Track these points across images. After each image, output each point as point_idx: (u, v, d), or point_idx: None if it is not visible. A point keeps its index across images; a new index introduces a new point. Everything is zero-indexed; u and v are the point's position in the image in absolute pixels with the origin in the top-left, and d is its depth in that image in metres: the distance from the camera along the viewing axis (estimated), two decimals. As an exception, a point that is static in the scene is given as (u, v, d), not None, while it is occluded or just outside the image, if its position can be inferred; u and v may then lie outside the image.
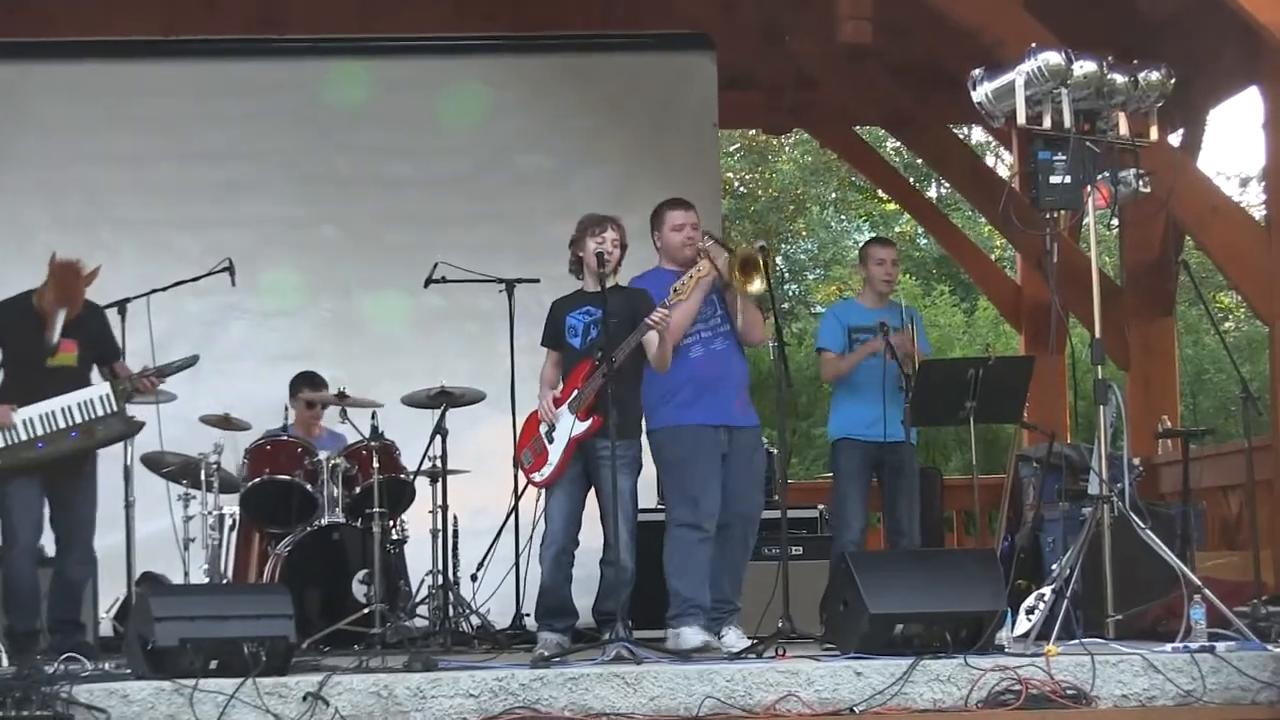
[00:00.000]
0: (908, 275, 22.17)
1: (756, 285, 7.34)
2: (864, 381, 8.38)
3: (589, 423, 7.31)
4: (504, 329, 8.84)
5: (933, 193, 22.33)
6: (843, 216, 24.91)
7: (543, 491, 7.54)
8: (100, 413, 7.45)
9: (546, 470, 7.44)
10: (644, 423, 7.54)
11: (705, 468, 7.37)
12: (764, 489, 7.40)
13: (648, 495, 8.59)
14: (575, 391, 7.38)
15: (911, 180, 17.61)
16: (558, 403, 7.45)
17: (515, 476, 8.21)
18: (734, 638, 7.30)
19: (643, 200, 8.79)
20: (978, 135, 19.24)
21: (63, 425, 7.43)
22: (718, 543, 7.45)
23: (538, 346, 7.77)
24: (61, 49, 10.31)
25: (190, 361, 7.55)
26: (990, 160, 18.97)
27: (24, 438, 7.40)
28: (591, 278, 7.45)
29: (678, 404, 7.45)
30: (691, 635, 7.22)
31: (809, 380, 16.54)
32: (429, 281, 9.16)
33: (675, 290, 7.20)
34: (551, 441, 7.43)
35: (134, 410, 7.67)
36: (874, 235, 15.62)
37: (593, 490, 7.45)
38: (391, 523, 8.46)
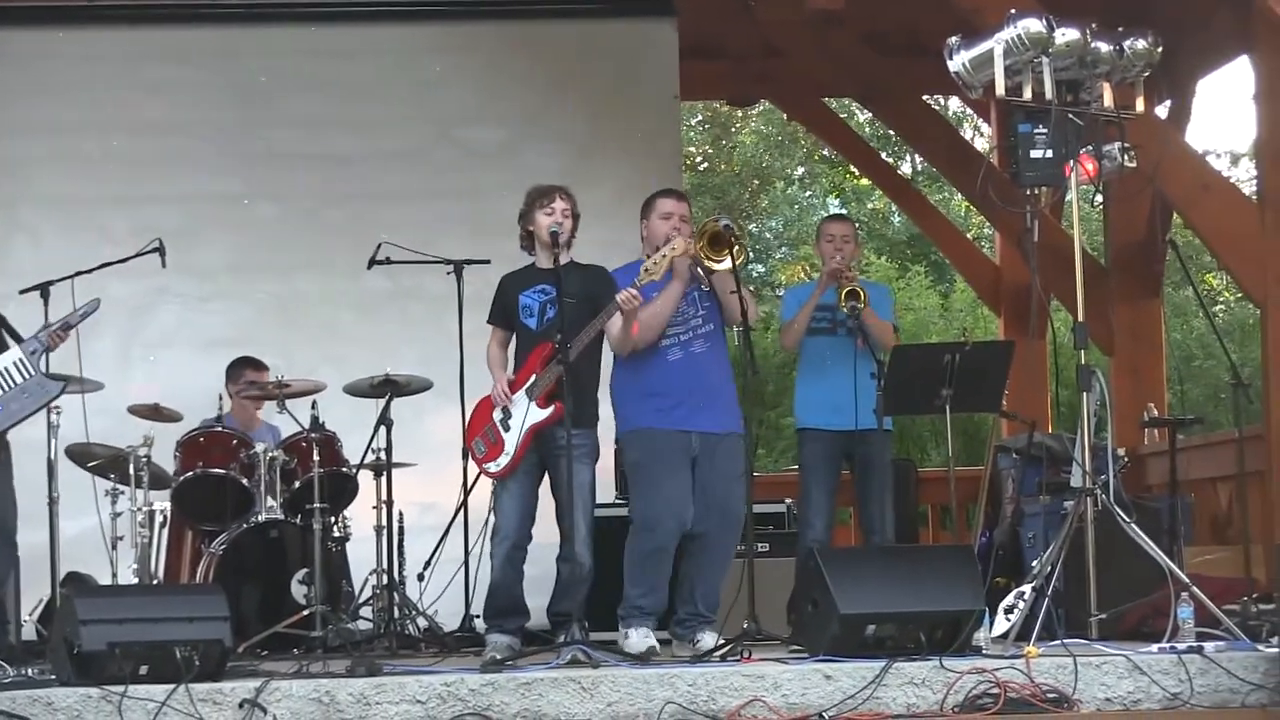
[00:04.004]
0: (880, 256, 22.25)
1: (725, 263, 7.34)
2: (829, 364, 8.41)
3: (549, 410, 7.31)
4: (452, 312, 8.80)
5: (906, 168, 22.39)
6: (809, 192, 24.91)
7: (493, 484, 7.54)
8: (19, 380, 7.23)
9: (503, 460, 7.43)
10: (614, 423, 7.58)
11: (666, 473, 7.36)
12: (746, 496, 7.36)
13: (607, 489, 8.66)
14: (533, 376, 7.39)
15: (884, 155, 17.65)
16: (513, 387, 7.47)
17: (465, 470, 8.23)
18: (710, 640, 7.27)
19: (600, 175, 8.79)
20: (954, 107, 19.31)
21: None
22: (692, 553, 7.45)
23: (487, 332, 7.76)
24: (-26, 13, 10.22)
25: (92, 307, 7.37)
26: (968, 133, 19.09)
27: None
28: (544, 253, 7.49)
29: (650, 409, 7.45)
30: (637, 639, 7.22)
31: (776, 367, 16.64)
32: (372, 262, 9.12)
33: (645, 270, 7.20)
34: (508, 429, 7.43)
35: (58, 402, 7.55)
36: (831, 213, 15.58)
37: (547, 482, 7.47)
38: (333, 519, 8.47)
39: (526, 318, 7.55)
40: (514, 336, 7.64)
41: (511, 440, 7.40)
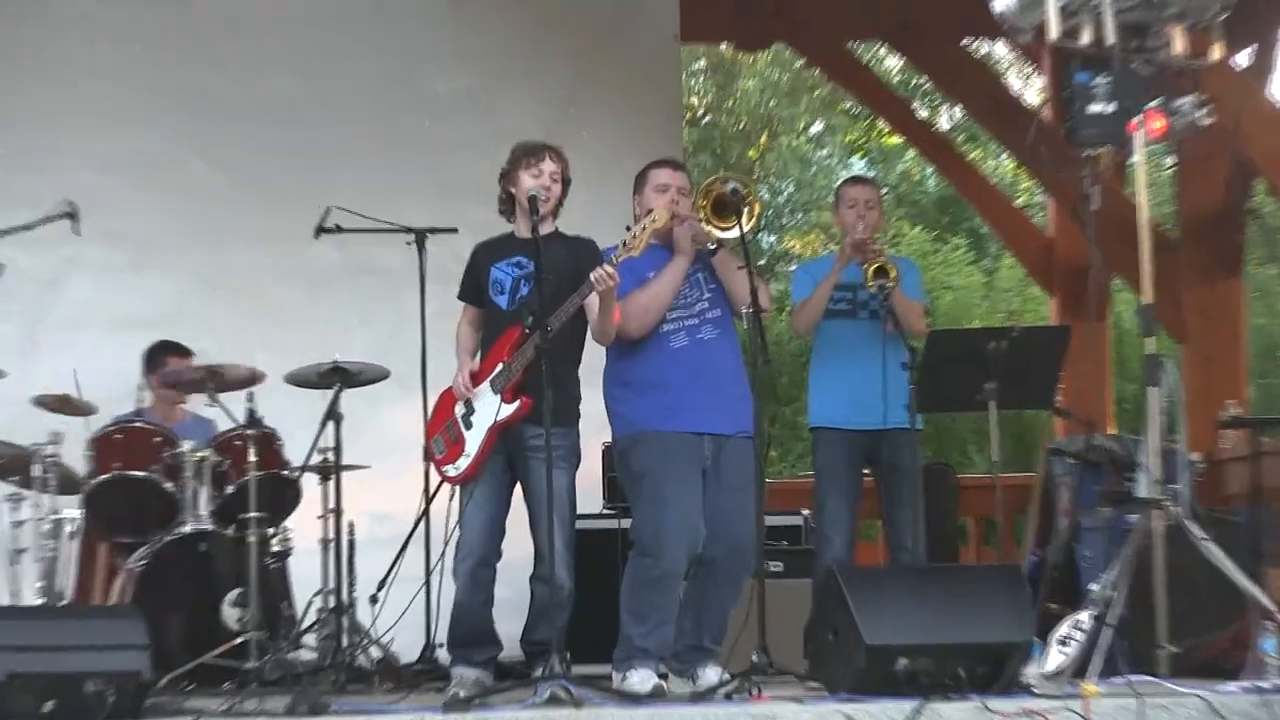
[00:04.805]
0: (912, 225, 22.21)
1: (733, 232, 7.34)
2: (851, 352, 8.41)
3: (516, 405, 7.31)
4: (413, 290, 8.79)
5: (944, 123, 22.35)
6: (825, 149, 24.82)
7: (458, 491, 7.51)
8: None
9: (462, 462, 7.42)
10: (610, 426, 7.54)
11: (675, 485, 7.30)
12: (759, 513, 7.33)
13: (588, 496, 8.59)
14: (500, 365, 7.37)
15: (916, 108, 17.62)
16: (477, 378, 7.46)
17: (427, 473, 8.20)
18: (714, 675, 7.26)
19: (587, 130, 8.74)
20: (1001, 52, 19.25)
21: None
22: (699, 578, 7.41)
23: (454, 312, 7.77)
24: None
25: None
26: (1016, 84, 19.03)
27: None
28: (524, 220, 7.46)
29: (651, 405, 7.40)
30: (640, 679, 7.16)
31: (792, 356, 16.69)
32: (320, 230, 9.08)
33: (624, 245, 7.17)
34: (470, 427, 7.44)
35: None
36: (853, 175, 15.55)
37: (520, 489, 7.46)
38: (272, 531, 8.44)
39: (497, 294, 7.55)
40: (485, 315, 7.64)
41: (474, 439, 7.40)
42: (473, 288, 7.67)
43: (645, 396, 7.42)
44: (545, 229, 7.44)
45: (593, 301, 7.21)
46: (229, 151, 10.37)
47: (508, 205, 7.63)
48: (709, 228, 7.37)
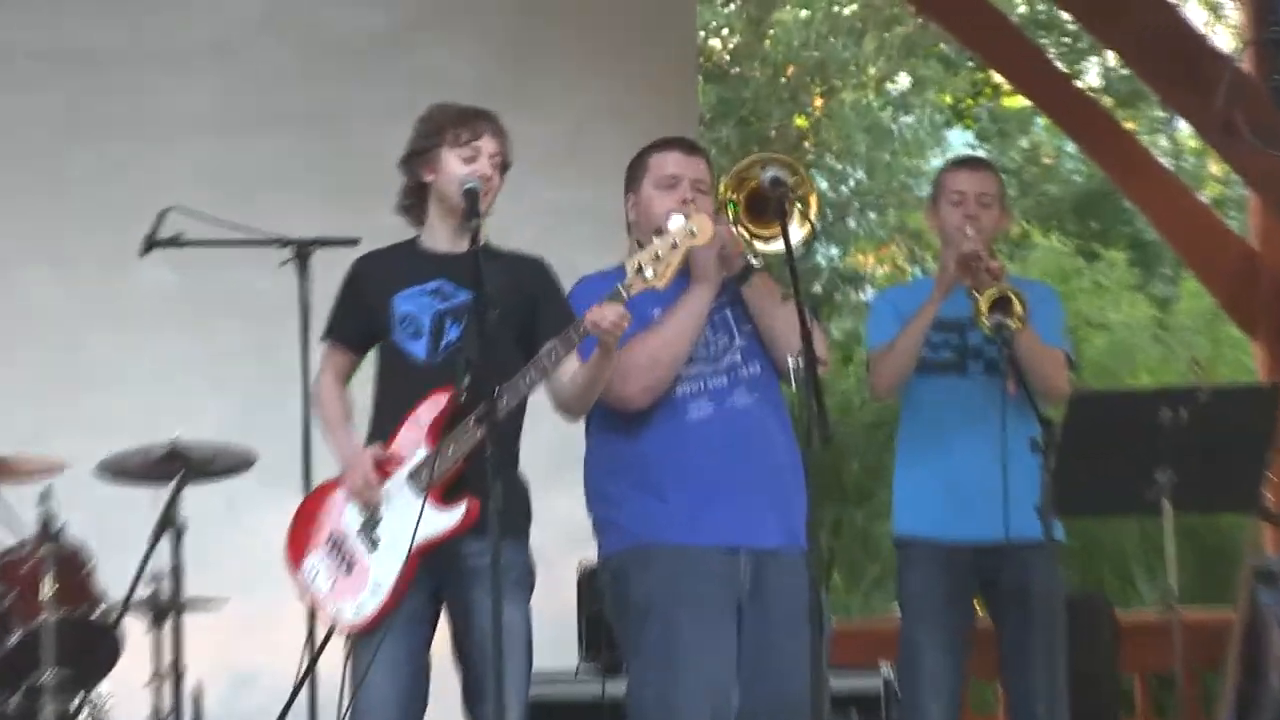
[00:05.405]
0: (1046, 231, 22.26)
1: (777, 243, 7.16)
2: (955, 421, 8.40)
3: (460, 511, 7.14)
4: (290, 333, 8.51)
5: (1093, 78, 22.38)
6: (911, 116, 24.69)
7: (354, 646, 7.33)
8: None
9: (366, 602, 7.22)
10: (596, 537, 7.51)
11: (696, 629, 7.22)
12: (819, 668, 7.22)
13: (554, 646, 8.37)
14: (420, 447, 7.27)
15: (1053, 56, 17.62)
16: (385, 469, 7.32)
17: (312, 612, 8.02)
18: None
19: (550, 89, 8.68)
20: None
21: None
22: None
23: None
24: None
25: None
26: (1198, 23, 19.04)
27: None
28: (445, 225, 7.42)
29: (660, 506, 7.32)
30: None
31: (867, 430, 16.63)
32: (151, 243, 8.85)
33: (636, 269, 6.90)
34: (375, 545, 7.28)
35: None
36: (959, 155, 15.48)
37: (446, 631, 7.32)
38: (79, 700, 8.44)
39: (409, 339, 7.38)
40: (381, 369, 7.48)
41: (384, 565, 7.20)
42: (353, 320, 7.54)
43: (651, 494, 7.36)
44: (465, 239, 7.26)
45: (569, 359, 7.13)
46: (19, 134, 10.54)
47: (414, 201, 7.54)
48: (740, 233, 7.32)
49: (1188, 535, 8.18)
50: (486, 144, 7.36)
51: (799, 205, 7.24)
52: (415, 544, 7.16)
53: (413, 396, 7.32)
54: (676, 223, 6.97)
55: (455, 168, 7.33)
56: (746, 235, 7.34)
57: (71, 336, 10.35)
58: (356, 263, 7.60)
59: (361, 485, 7.28)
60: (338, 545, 7.35)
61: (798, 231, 7.25)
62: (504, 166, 7.43)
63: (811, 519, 7.21)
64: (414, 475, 7.24)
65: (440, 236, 7.41)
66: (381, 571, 7.22)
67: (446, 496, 7.17)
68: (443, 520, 7.16)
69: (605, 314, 6.90)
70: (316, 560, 7.39)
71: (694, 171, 7.51)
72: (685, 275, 7.23)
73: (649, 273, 6.89)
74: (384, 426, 7.36)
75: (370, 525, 7.30)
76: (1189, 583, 8.37)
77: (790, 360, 6.95)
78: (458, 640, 7.28)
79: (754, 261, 7.38)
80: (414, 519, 7.15)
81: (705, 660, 7.17)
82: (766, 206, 7.26)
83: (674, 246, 6.91)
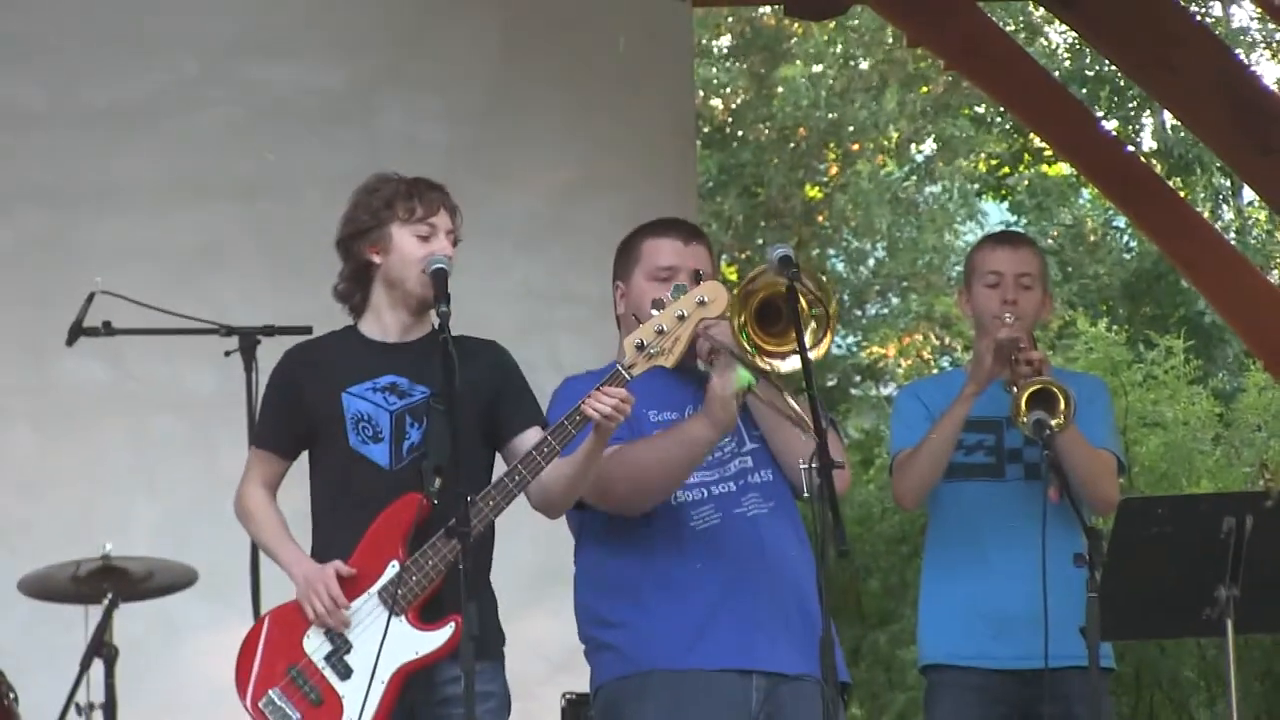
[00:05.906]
0: (1091, 316, 22.05)
1: (792, 361, 7.00)
2: (990, 533, 8.17)
3: (447, 631, 6.94)
4: (236, 432, 8.39)
5: (1146, 140, 22.12)
6: (938, 186, 24.57)
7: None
8: None
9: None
10: (589, 662, 7.37)
11: None
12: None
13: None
14: (392, 565, 6.99)
15: (1099, 113, 17.46)
16: (353, 587, 7.04)
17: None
18: None
19: (531, 163, 8.82)
20: (1239, 18, 19.20)
21: None
22: None
23: (304, 473, 7.38)
24: None
25: None
26: (1260, 65, 18.86)
27: None
28: (396, 315, 7.25)
29: (661, 626, 7.16)
30: None
31: (889, 544, 16.43)
32: (79, 331, 8.80)
33: (640, 344, 6.78)
34: (347, 675, 7.02)
35: None
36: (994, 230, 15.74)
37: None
38: None
39: (364, 441, 7.18)
40: (327, 476, 7.26)
41: (357, 697, 6.93)
42: (288, 425, 7.33)
43: (650, 613, 7.22)
44: (419, 329, 7.22)
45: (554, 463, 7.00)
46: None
47: (355, 286, 7.30)
48: (756, 348, 7.08)
49: (1253, 659, 7.70)
50: (442, 220, 7.19)
51: (817, 304, 7.11)
52: (397, 668, 7.04)
53: (375, 507, 7.14)
54: (681, 292, 6.98)
55: (411, 247, 7.16)
56: (760, 352, 7.10)
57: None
58: (288, 357, 7.53)
59: (328, 606, 7.07)
60: (303, 675, 7.13)
61: (816, 346, 7.11)
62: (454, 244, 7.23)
63: (823, 649, 6.74)
64: (384, 593, 7.08)
65: (389, 324, 7.32)
66: (358, 701, 7.03)
67: (423, 616, 7.04)
68: (427, 641, 7.03)
69: (606, 398, 6.80)
70: (278, 696, 7.11)
71: (693, 262, 7.38)
72: (685, 381, 7.19)
73: (654, 349, 6.86)
74: (337, 540, 7.18)
75: (340, 650, 7.10)
76: (1253, 713, 7.85)
77: (803, 466, 6.78)
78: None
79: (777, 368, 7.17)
80: (392, 642, 7.01)
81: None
82: (777, 314, 7.09)
83: (681, 319, 6.86)
